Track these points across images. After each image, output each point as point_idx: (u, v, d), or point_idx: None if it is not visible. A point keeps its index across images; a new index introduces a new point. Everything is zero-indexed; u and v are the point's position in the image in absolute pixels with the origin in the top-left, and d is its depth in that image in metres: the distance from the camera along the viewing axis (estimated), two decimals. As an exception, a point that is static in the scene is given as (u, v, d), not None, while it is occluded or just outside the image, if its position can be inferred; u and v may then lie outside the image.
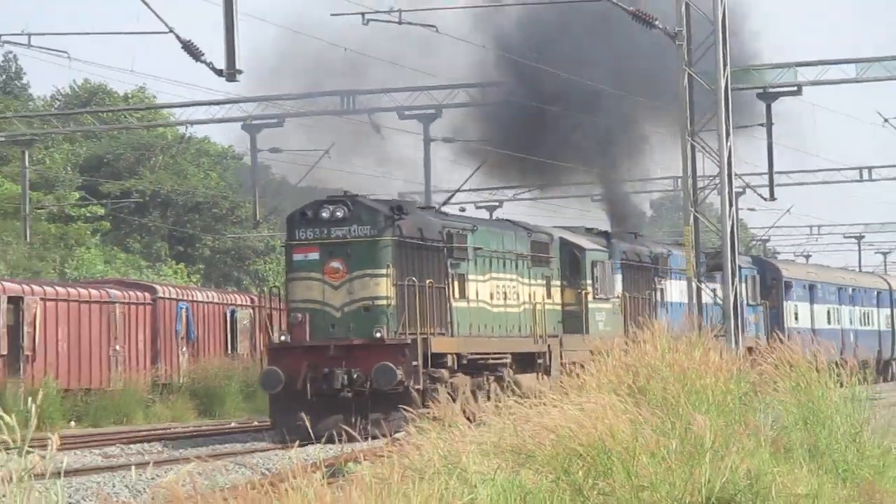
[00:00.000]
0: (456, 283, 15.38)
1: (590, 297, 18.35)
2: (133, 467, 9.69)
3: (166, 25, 14.07)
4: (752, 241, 41.78)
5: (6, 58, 41.96)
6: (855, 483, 7.35)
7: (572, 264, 18.55)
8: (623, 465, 6.07)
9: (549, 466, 6.15)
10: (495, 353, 15.97)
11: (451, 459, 5.93)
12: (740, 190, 20.06)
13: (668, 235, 37.05)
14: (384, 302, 14.05)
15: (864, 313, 31.53)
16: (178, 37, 13.59)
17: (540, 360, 16.75)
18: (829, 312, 29.71)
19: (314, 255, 14.26)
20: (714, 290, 18.35)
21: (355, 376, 13.57)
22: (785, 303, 26.44)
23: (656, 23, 15.14)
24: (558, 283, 18.34)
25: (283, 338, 14.85)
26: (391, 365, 13.46)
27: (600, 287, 18.69)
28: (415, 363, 13.76)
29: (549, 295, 17.84)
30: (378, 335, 13.81)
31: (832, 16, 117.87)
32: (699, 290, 16.57)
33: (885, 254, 48.60)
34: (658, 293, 21.31)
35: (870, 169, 32.59)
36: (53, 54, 21.67)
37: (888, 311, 32.37)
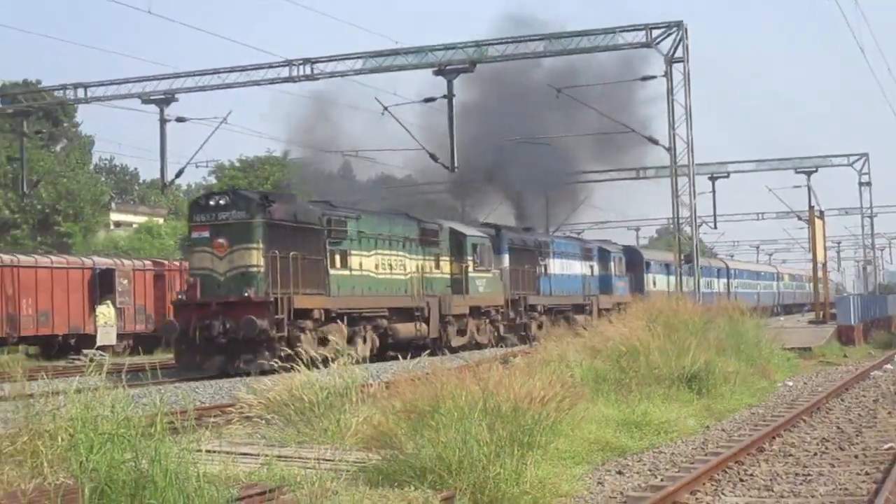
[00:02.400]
0: (337, 257, 19.30)
1: (470, 269, 24.01)
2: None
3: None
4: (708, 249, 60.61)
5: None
6: (757, 365, 14.39)
7: (458, 246, 24.19)
8: (645, 357, 12.29)
9: (608, 358, 12.42)
10: (370, 308, 20.06)
11: (561, 355, 12.14)
12: (700, 223, 31.51)
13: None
14: (255, 269, 17.13)
15: (707, 282, 45.65)
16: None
17: (418, 314, 21.48)
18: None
19: (205, 234, 17.65)
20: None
21: (228, 326, 16.50)
22: (645, 275, 38.19)
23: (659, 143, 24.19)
24: (447, 258, 23.83)
25: (180, 296, 18.64)
26: (254, 318, 16.34)
27: (480, 261, 24.57)
28: (279, 316, 16.69)
29: (437, 267, 23.29)
30: (246, 294, 16.86)
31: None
32: (680, 276, 25.59)
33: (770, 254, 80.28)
34: (542, 268, 29.04)
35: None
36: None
37: (725, 280, 49.85)
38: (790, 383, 16.72)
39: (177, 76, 24.58)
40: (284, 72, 23.79)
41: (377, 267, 20.78)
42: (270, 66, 23.93)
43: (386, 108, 23.73)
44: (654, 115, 27.66)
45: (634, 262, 37.79)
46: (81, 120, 48.60)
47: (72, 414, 5.91)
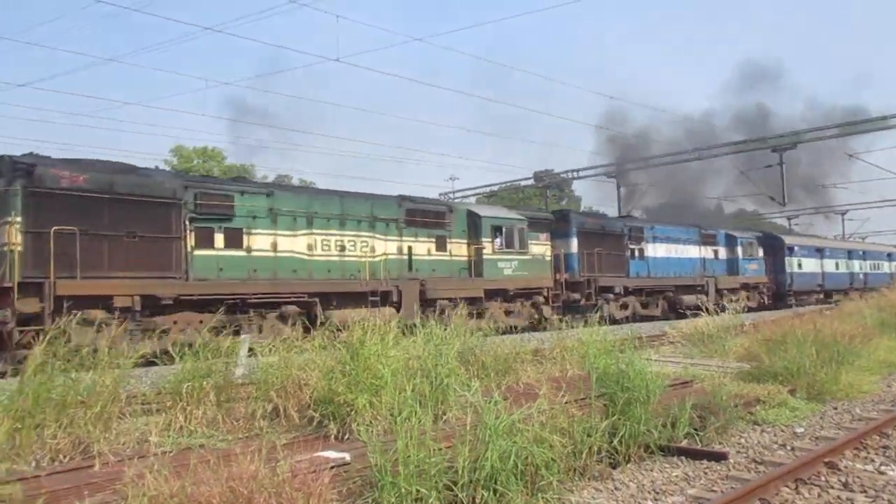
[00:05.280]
0: (218, 236, 17.35)
1: (487, 251, 23.41)
2: None
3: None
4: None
5: None
6: None
7: (474, 227, 23.47)
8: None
9: (889, 311, 15.86)
10: (276, 293, 17.80)
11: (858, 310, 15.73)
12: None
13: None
14: (5, 249, 14.43)
15: (874, 265, 52.64)
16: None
17: (374, 298, 19.74)
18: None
19: None
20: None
21: None
22: (787, 258, 41.09)
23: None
24: (462, 240, 23.03)
25: None
26: None
27: (506, 244, 24.04)
28: (42, 304, 14.19)
29: (442, 249, 22.31)
30: None
31: None
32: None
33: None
34: (632, 251, 30.20)
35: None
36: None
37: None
38: None
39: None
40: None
41: (310, 248, 19.23)
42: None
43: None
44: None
45: (775, 246, 40.69)
46: None
47: (581, 337, 11.47)
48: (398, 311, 20.06)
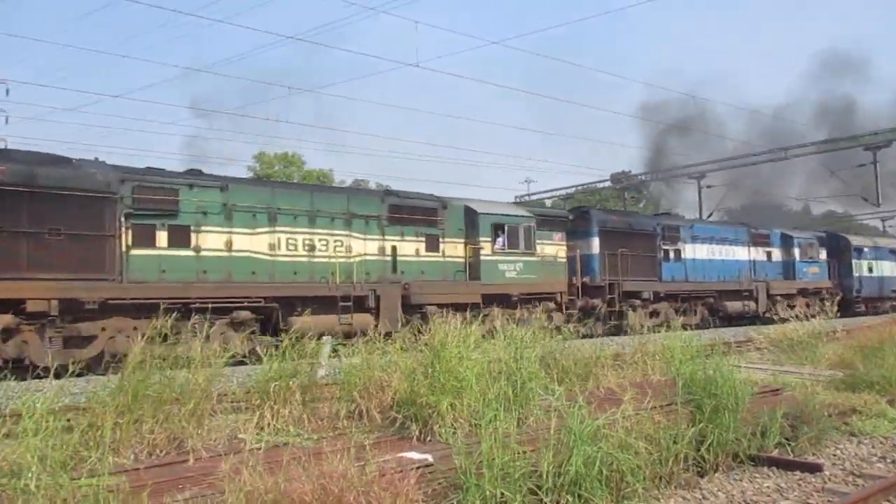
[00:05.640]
0: (161, 233, 15.93)
1: (486, 252, 21.23)
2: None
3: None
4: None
5: None
6: None
7: (472, 225, 21.24)
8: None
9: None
10: (209, 298, 15.96)
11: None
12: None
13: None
14: None
15: None
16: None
17: (346, 304, 17.83)
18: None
19: None
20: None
21: None
22: (855, 261, 37.88)
23: None
24: (457, 240, 20.90)
25: None
26: None
27: (510, 244, 21.75)
28: None
29: (433, 249, 20.30)
30: None
31: None
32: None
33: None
34: (666, 252, 27.67)
35: None
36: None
37: None
38: None
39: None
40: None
41: (273, 247, 17.55)
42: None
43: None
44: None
45: (840, 247, 37.29)
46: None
47: (665, 344, 11.23)
48: (376, 317, 18.30)
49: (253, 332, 16.51)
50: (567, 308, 22.75)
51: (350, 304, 17.94)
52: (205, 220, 16.57)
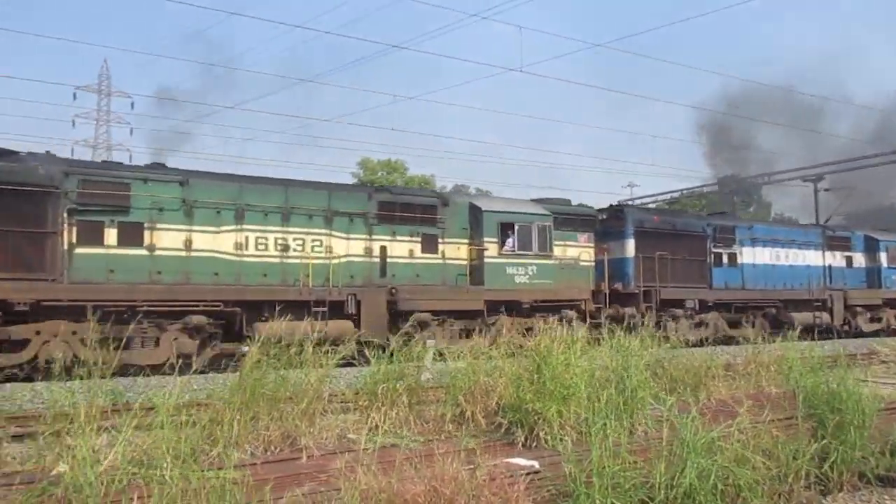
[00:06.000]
0: (109, 231, 15.02)
1: (489, 252, 19.27)
2: None
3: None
4: None
5: None
6: None
7: (477, 224, 19.34)
8: None
9: None
10: (157, 301, 15.01)
11: None
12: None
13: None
14: None
15: None
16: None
17: (320, 309, 16.43)
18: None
19: None
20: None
21: None
22: None
23: None
24: (461, 240, 19.19)
25: None
26: None
27: (519, 244, 19.73)
28: None
29: (431, 250, 18.66)
30: None
31: None
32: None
33: None
34: (718, 256, 24.79)
35: None
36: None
37: None
38: None
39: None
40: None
41: (240, 247, 16.39)
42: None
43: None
44: None
45: None
46: None
47: (784, 355, 10.73)
48: (357, 325, 16.90)
49: (212, 338, 15.59)
50: (592, 317, 20.44)
51: (325, 309, 16.54)
52: (161, 216, 15.56)
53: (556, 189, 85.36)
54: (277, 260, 16.68)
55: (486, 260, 19.17)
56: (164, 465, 4.71)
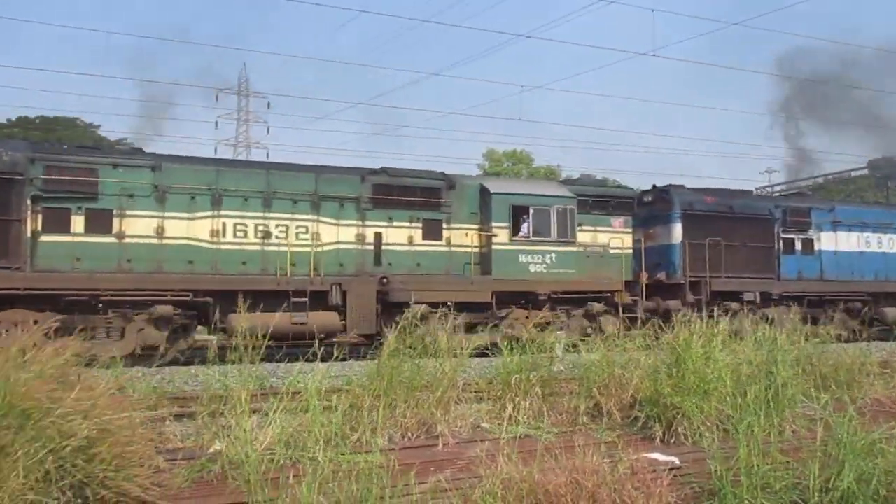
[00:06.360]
0: (77, 218, 14.59)
1: (498, 239, 17.63)
2: None
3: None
4: None
5: None
6: None
7: (487, 208, 17.76)
8: None
9: None
10: (122, 290, 14.49)
11: None
12: None
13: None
14: None
15: None
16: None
17: (300, 299, 15.47)
18: None
19: None
20: None
21: None
22: None
23: None
24: (470, 225, 17.74)
25: None
26: None
27: (534, 229, 17.93)
28: None
29: (434, 237, 17.34)
30: None
31: None
32: None
33: None
34: (790, 242, 21.87)
35: None
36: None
37: None
38: None
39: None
40: None
41: (216, 234, 15.67)
42: None
43: None
44: None
45: None
46: None
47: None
48: (342, 317, 16.11)
49: (183, 329, 15.18)
50: (627, 311, 18.57)
51: (306, 300, 15.66)
52: (131, 203, 15.07)
53: (682, 176, 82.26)
54: (258, 248, 15.95)
55: (494, 247, 17.73)
56: (315, 446, 4.93)
